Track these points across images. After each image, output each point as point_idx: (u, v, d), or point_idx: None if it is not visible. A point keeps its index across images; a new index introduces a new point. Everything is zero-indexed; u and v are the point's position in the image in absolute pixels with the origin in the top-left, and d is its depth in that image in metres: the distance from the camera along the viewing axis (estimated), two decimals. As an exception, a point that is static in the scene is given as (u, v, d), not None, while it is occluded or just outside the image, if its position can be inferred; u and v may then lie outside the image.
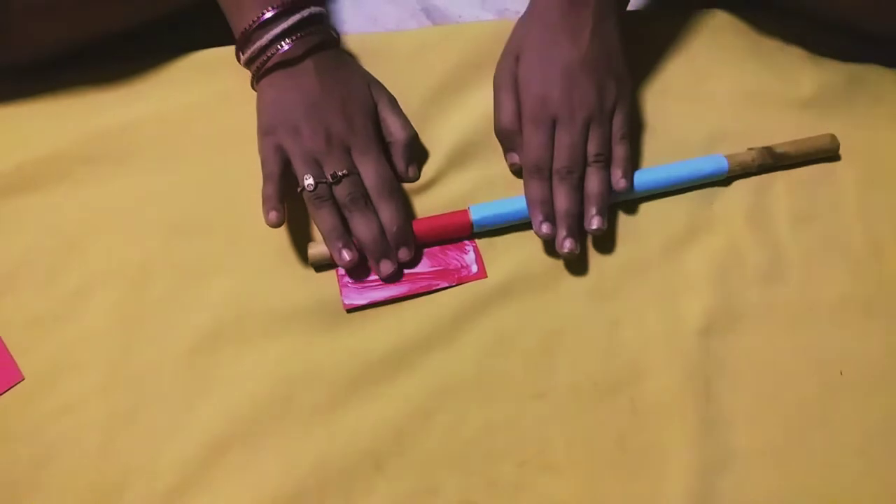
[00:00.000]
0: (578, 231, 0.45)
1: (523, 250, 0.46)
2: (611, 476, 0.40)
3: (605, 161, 0.46)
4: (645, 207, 0.48)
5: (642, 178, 0.47)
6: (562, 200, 0.44)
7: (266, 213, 0.42)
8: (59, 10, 0.47)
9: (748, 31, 0.55)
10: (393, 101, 0.48)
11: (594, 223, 0.44)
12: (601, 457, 0.41)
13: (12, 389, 0.42)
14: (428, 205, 0.48)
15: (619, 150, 0.46)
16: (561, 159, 0.45)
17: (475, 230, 0.46)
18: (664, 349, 0.43)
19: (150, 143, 0.50)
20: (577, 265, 0.46)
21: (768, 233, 0.47)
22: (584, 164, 0.46)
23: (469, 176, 0.49)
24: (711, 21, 0.55)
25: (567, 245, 0.44)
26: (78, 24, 0.49)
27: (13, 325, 0.44)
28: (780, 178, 0.49)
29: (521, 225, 0.47)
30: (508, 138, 0.48)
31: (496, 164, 0.49)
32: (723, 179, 0.48)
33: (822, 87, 0.52)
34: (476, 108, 0.51)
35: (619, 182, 0.45)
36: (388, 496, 0.40)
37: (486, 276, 0.45)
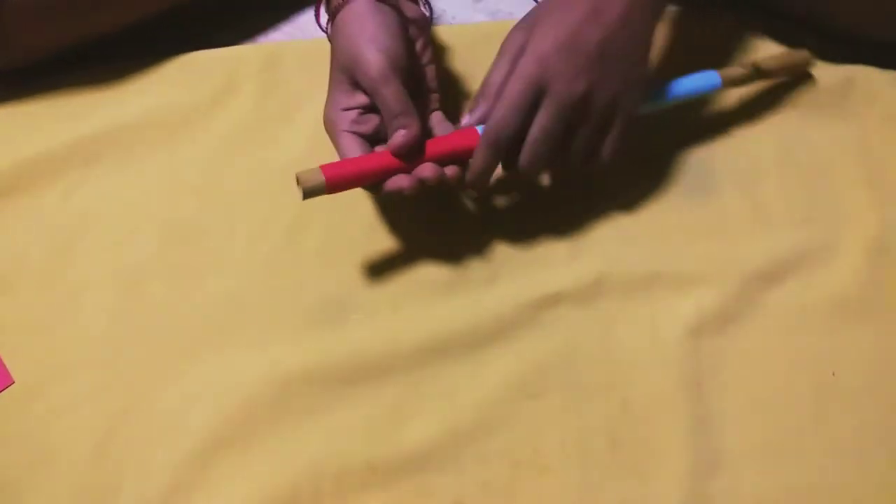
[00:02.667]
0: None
1: (515, 251, 0.46)
2: (603, 477, 0.40)
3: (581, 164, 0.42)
4: (638, 208, 0.48)
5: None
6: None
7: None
8: (52, 14, 0.47)
9: (741, 34, 0.55)
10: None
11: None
12: (594, 458, 0.41)
13: (3, 393, 0.42)
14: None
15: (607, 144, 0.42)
16: (528, 152, 0.40)
17: None
18: (656, 350, 0.43)
19: (145, 145, 0.50)
20: (570, 266, 0.46)
21: (762, 234, 0.47)
22: (550, 157, 0.41)
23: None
24: (705, 23, 0.55)
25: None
26: (71, 26, 0.49)
27: (4, 327, 0.44)
28: (775, 179, 0.49)
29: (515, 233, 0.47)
30: (483, 95, 0.42)
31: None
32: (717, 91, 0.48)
33: (815, 88, 0.52)
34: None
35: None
36: (381, 497, 0.39)
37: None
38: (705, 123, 0.51)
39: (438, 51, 0.53)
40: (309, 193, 0.39)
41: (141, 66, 0.52)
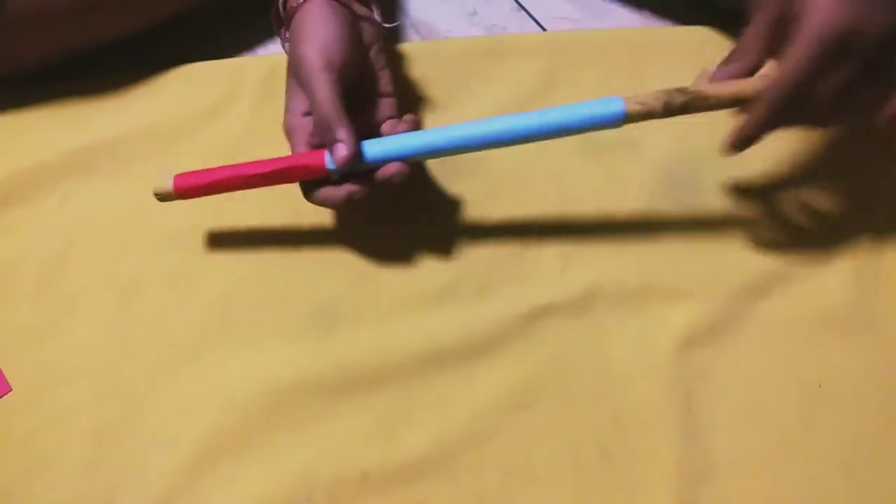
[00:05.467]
0: None
1: (506, 262, 0.47)
2: (595, 487, 0.41)
3: None
4: (627, 220, 0.48)
5: (517, 123, 0.39)
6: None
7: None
8: (51, 22, 0.47)
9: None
10: None
11: None
12: (585, 468, 0.41)
13: (0, 401, 0.42)
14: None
15: None
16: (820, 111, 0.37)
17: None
18: (646, 361, 0.44)
19: (142, 155, 0.50)
20: (560, 277, 0.46)
21: (750, 245, 0.48)
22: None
23: (457, 193, 0.49)
24: (695, 37, 0.56)
25: None
26: (70, 35, 0.49)
27: (1, 336, 0.44)
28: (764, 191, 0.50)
29: (501, 232, 0.47)
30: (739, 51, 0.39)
31: (485, 179, 0.50)
32: (619, 123, 0.40)
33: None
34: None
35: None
36: (375, 507, 0.40)
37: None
38: (695, 134, 0.52)
39: (431, 63, 0.54)
40: (163, 198, 0.42)
41: (139, 76, 0.52)
